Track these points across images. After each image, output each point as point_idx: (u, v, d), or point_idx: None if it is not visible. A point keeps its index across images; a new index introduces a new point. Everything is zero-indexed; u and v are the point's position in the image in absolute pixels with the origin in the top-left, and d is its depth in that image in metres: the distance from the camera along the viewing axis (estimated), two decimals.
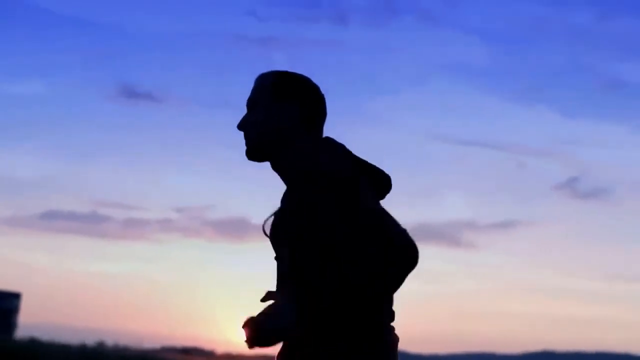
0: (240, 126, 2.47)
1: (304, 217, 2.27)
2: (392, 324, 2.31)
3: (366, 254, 2.16)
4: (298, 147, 2.39)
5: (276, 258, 2.41)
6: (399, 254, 2.16)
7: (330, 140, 2.40)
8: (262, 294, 2.33)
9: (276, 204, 2.45)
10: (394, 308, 2.34)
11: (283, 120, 2.41)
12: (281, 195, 2.45)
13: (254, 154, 2.46)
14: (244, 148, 2.47)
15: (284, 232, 2.34)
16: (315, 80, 2.52)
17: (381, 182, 2.37)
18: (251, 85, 2.51)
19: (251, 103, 2.48)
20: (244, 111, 2.49)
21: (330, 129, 2.51)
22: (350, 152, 2.36)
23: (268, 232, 2.43)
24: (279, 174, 2.46)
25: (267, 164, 2.48)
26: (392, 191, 2.43)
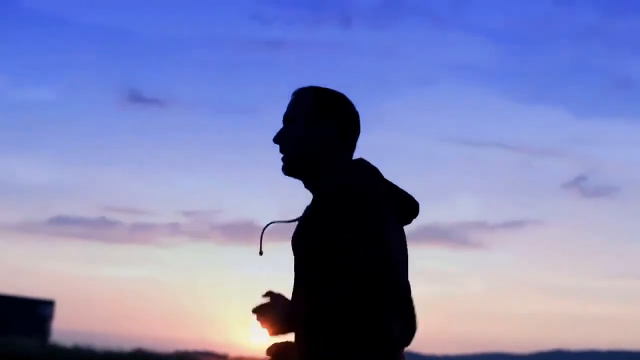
0: (276, 139, 2.40)
1: (323, 232, 2.17)
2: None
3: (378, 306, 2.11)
4: (333, 166, 2.33)
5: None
6: (411, 328, 2.22)
7: (364, 162, 2.35)
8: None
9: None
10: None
11: (322, 137, 2.35)
12: (302, 206, 2.37)
13: (291, 171, 2.39)
14: (280, 163, 2.39)
15: (301, 242, 2.26)
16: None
17: (407, 207, 2.33)
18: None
19: (289, 118, 2.40)
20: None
21: None
22: (382, 176, 2.32)
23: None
24: (310, 191, 2.38)
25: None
26: None
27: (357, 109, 2.43)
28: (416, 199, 2.36)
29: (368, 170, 2.32)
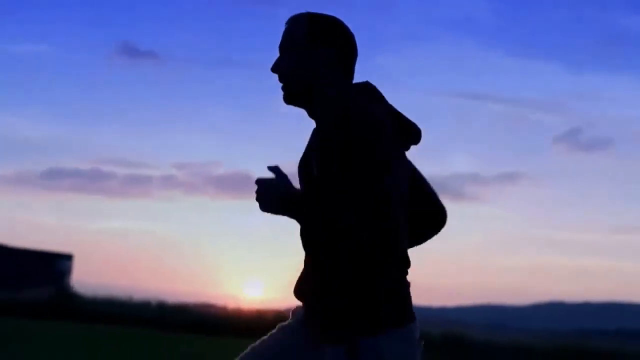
0: (274, 69, 2.29)
1: (338, 157, 2.08)
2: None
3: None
4: (334, 92, 2.22)
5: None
6: (439, 215, 2.23)
7: (368, 85, 2.25)
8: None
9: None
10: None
11: (320, 64, 2.24)
12: (304, 142, 2.32)
13: (292, 99, 2.28)
14: (280, 93, 2.28)
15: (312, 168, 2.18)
16: None
17: (409, 133, 2.24)
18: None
19: (284, 46, 2.29)
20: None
21: None
22: (384, 99, 2.23)
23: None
24: (314, 119, 2.28)
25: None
26: None
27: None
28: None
29: (371, 93, 2.23)
